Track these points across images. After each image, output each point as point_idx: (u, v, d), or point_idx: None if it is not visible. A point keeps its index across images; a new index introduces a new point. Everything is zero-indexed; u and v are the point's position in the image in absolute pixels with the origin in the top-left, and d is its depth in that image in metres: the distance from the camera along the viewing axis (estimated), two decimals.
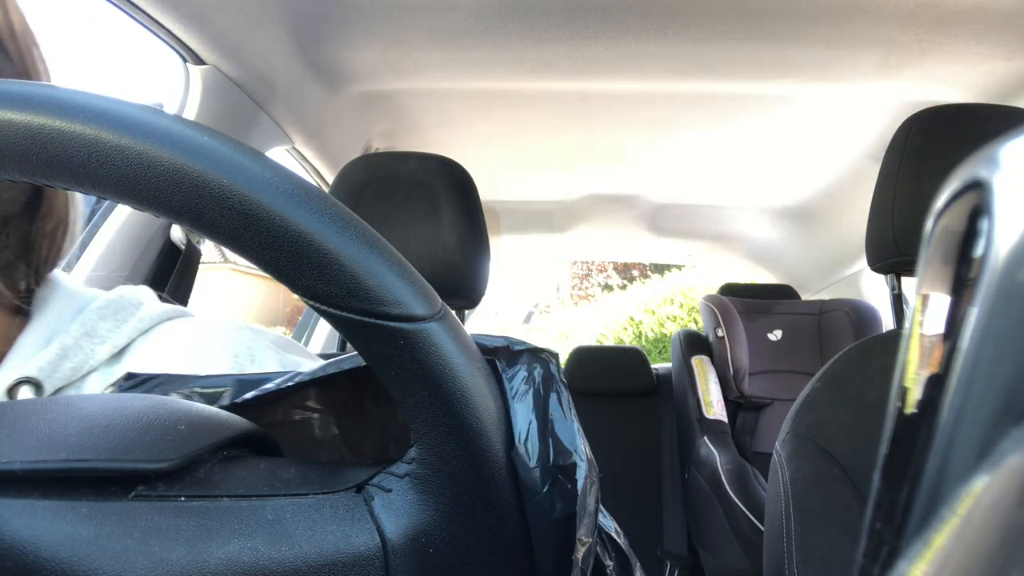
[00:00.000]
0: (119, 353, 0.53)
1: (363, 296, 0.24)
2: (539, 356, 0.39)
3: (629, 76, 1.28)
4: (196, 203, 0.24)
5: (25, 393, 0.50)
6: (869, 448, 0.86)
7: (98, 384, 0.52)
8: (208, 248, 1.10)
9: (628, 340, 6.36)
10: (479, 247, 1.01)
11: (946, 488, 0.14)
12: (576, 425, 0.38)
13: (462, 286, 0.99)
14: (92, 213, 0.98)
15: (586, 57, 1.21)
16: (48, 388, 0.50)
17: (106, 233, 0.95)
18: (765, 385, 2.11)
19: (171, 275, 1.03)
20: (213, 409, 0.32)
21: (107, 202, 0.96)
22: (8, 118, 0.23)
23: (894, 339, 0.94)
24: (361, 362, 0.32)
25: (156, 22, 0.91)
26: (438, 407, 0.25)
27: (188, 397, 0.38)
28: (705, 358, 2.21)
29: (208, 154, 0.24)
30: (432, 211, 0.98)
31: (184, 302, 1.01)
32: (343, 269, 0.24)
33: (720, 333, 2.16)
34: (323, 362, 0.36)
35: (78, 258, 0.94)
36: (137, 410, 0.28)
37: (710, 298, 2.27)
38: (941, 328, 0.17)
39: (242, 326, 0.63)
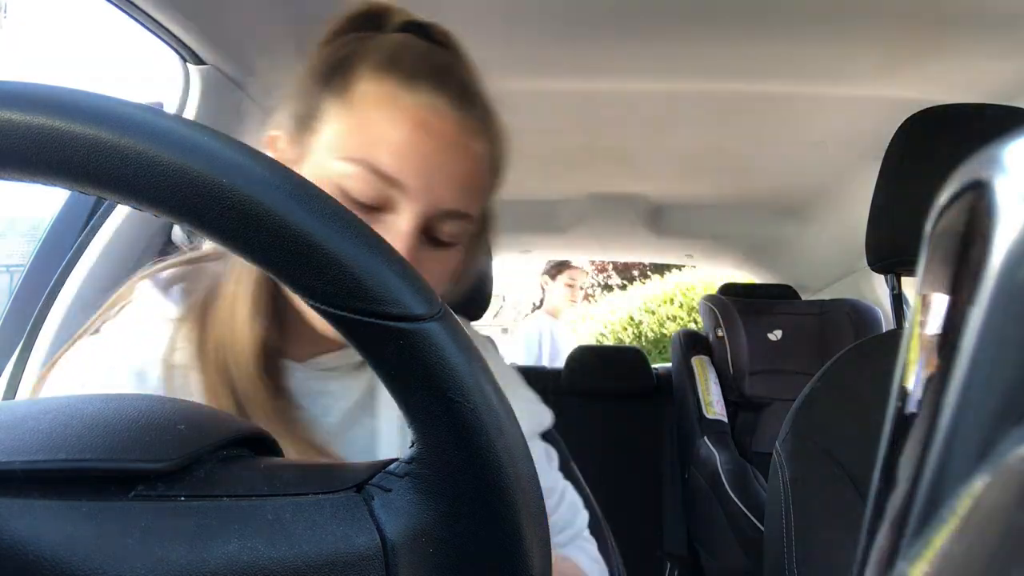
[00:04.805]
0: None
1: (363, 296, 0.24)
2: None
3: (629, 76, 1.28)
4: (196, 203, 0.24)
5: None
6: (869, 448, 0.86)
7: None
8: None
9: (628, 340, 6.36)
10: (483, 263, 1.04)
11: (946, 488, 0.14)
12: None
13: (466, 301, 1.01)
14: (92, 213, 0.98)
15: (586, 57, 1.20)
16: None
17: (106, 233, 0.95)
18: (765, 385, 2.11)
19: None
20: (213, 409, 0.32)
21: (107, 202, 0.96)
22: (8, 118, 0.23)
23: (894, 339, 0.94)
24: None
25: (156, 22, 0.91)
26: (438, 407, 0.25)
27: None
28: (705, 358, 2.21)
29: (208, 154, 0.24)
30: None
31: None
32: (343, 269, 0.24)
33: (720, 333, 2.16)
34: None
35: (78, 258, 0.94)
36: (137, 410, 0.28)
37: (710, 298, 2.27)
38: (941, 328, 0.17)
39: None
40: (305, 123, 0.57)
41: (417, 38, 0.61)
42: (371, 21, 0.61)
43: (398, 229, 0.54)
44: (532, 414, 0.72)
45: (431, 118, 0.55)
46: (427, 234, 0.56)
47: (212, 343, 0.57)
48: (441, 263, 0.59)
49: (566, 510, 0.74)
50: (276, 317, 0.61)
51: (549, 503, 0.71)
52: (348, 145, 0.54)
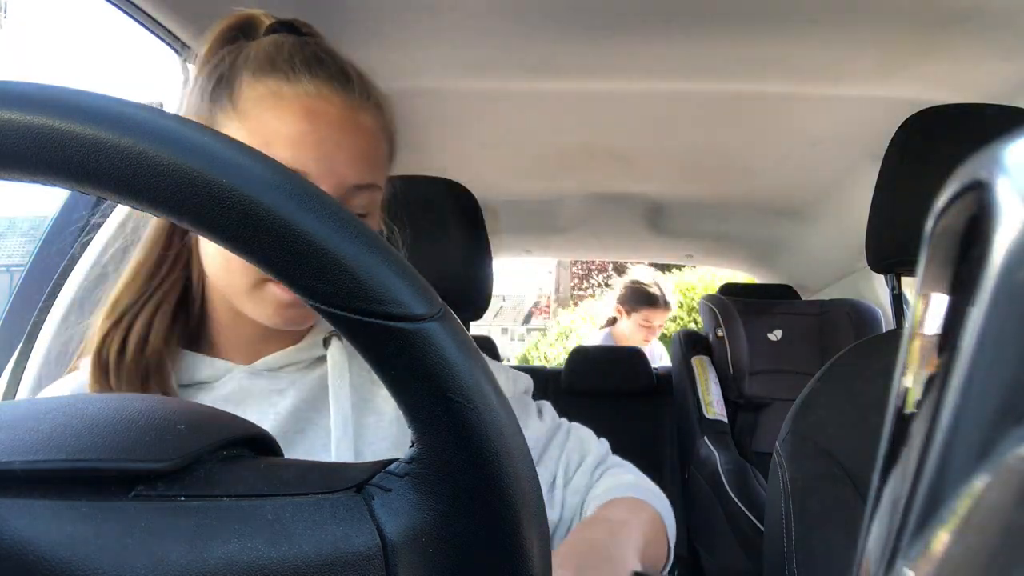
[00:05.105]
0: None
1: (363, 296, 0.24)
2: None
3: (629, 76, 1.28)
4: (196, 203, 0.24)
5: (335, 343, 0.64)
6: (869, 448, 0.86)
7: None
8: None
9: None
10: (482, 265, 1.05)
11: (946, 488, 0.14)
12: None
13: (466, 302, 1.02)
14: (92, 213, 0.98)
15: (586, 57, 1.20)
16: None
17: (105, 233, 0.95)
18: (765, 385, 2.11)
19: None
20: (213, 409, 0.32)
21: (107, 202, 0.96)
22: (8, 118, 0.23)
23: (894, 339, 0.94)
24: None
25: (156, 22, 0.91)
26: (438, 407, 0.25)
27: None
28: (705, 358, 2.21)
29: (208, 154, 0.24)
30: (439, 231, 1.01)
31: None
32: (343, 269, 0.24)
33: (720, 333, 2.16)
34: None
35: (78, 258, 0.94)
36: (137, 410, 0.28)
37: (710, 298, 2.27)
38: (941, 328, 0.17)
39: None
40: None
41: (287, 35, 0.63)
42: (242, 31, 0.64)
43: None
44: (515, 379, 0.73)
45: (317, 104, 0.57)
46: None
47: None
48: None
49: (575, 444, 0.72)
50: (200, 326, 0.64)
51: (557, 440, 0.70)
52: None
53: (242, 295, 0.58)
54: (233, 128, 0.57)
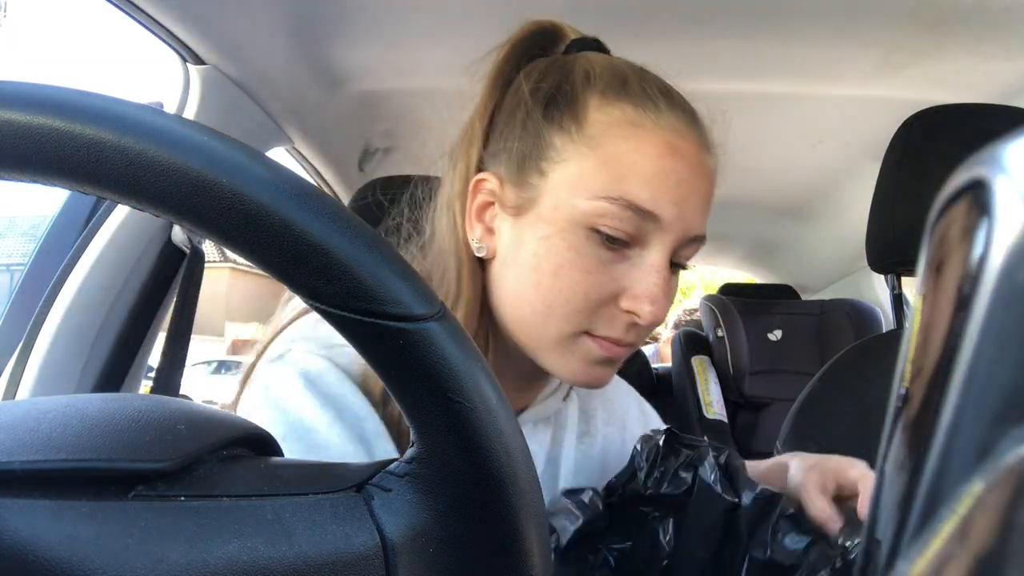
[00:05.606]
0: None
1: (363, 296, 0.24)
2: None
3: None
4: (196, 203, 0.24)
5: (572, 401, 0.71)
6: (869, 448, 0.86)
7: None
8: (208, 248, 1.10)
9: None
10: None
11: (946, 488, 0.14)
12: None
13: None
14: (92, 213, 0.98)
15: None
16: None
17: (104, 233, 0.95)
18: (765, 385, 2.11)
19: (171, 277, 1.02)
20: (213, 409, 0.32)
21: (107, 202, 0.96)
22: (8, 118, 0.23)
23: (894, 339, 0.94)
24: None
25: (156, 22, 0.91)
26: (437, 407, 0.25)
27: None
28: (705, 358, 2.20)
29: (208, 154, 0.24)
30: None
31: (193, 305, 1.01)
32: (343, 269, 0.24)
33: (720, 333, 2.16)
34: None
35: (78, 258, 0.94)
36: (137, 410, 0.28)
37: (710, 298, 2.27)
38: (941, 328, 0.17)
39: None
40: (530, 164, 0.53)
41: (610, 55, 0.57)
42: (546, 42, 0.58)
43: (650, 264, 0.51)
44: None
45: (677, 141, 0.52)
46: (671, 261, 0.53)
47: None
48: (676, 287, 0.56)
49: None
50: None
51: None
52: (596, 182, 0.50)
53: (551, 344, 0.52)
54: (579, 154, 0.51)
